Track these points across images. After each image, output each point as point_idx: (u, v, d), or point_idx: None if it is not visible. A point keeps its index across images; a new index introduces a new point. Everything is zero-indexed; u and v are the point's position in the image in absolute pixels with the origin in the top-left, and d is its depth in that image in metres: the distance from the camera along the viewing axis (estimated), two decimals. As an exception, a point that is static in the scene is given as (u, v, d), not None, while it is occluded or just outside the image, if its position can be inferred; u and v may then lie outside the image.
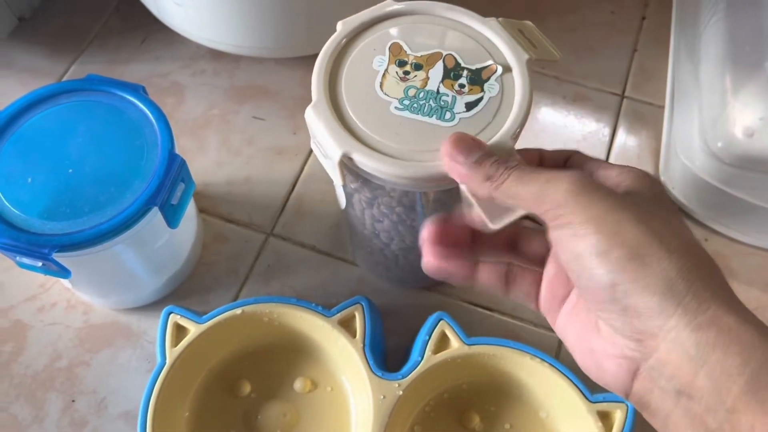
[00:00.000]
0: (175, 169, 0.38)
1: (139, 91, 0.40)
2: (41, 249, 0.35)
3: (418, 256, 0.41)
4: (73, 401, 0.42)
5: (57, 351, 0.44)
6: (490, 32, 0.34)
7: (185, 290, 0.46)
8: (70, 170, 0.37)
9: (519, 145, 0.32)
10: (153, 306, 0.45)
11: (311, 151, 0.52)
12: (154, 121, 0.39)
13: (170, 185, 0.37)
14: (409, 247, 0.40)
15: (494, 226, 0.28)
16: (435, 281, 0.46)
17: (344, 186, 0.36)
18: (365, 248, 0.43)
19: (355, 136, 0.31)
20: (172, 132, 0.39)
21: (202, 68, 0.56)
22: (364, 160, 0.31)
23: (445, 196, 0.35)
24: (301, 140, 0.52)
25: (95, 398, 0.43)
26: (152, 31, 0.57)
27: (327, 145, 0.32)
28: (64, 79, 0.55)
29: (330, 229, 0.49)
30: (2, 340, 0.44)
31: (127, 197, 0.37)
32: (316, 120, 0.32)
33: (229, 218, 0.49)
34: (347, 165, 0.32)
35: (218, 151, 0.52)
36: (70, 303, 0.46)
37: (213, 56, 0.56)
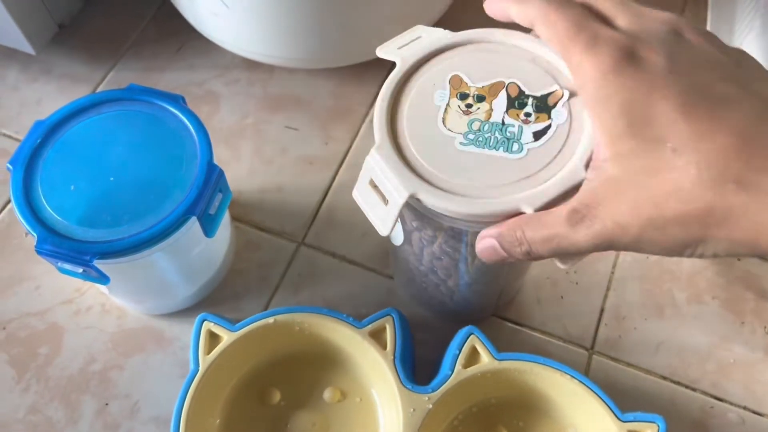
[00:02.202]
0: (213, 180, 0.38)
1: (178, 101, 0.40)
2: (83, 256, 0.36)
3: (475, 291, 0.41)
4: (106, 404, 0.43)
5: (91, 354, 0.45)
6: (552, 55, 0.32)
7: (217, 297, 0.47)
8: (111, 178, 0.38)
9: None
10: (186, 312, 0.46)
11: (342, 161, 0.52)
12: (193, 131, 0.39)
13: (209, 195, 0.38)
14: (468, 284, 0.40)
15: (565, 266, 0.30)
16: (482, 316, 0.46)
17: (404, 224, 0.36)
18: (418, 284, 0.43)
19: (420, 176, 0.30)
20: (211, 142, 0.39)
21: (237, 77, 0.56)
22: (431, 200, 0.30)
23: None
24: (332, 150, 0.53)
25: (128, 402, 0.43)
26: (188, 39, 0.57)
27: (392, 187, 0.31)
28: (102, 85, 0.56)
29: (361, 239, 0.49)
30: (38, 343, 0.45)
31: (166, 206, 0.37)
32: (381, 162, 0.31)
33: (262, 226, 0.50)
34: (413, 206, 0.32)
35: (251, 160, 0.52)
36: (105, 307, 0.46)
37: (247, 66, 0.56)
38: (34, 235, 0.36)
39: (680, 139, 0.26)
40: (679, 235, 0.27)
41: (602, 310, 0.46)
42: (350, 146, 0.53)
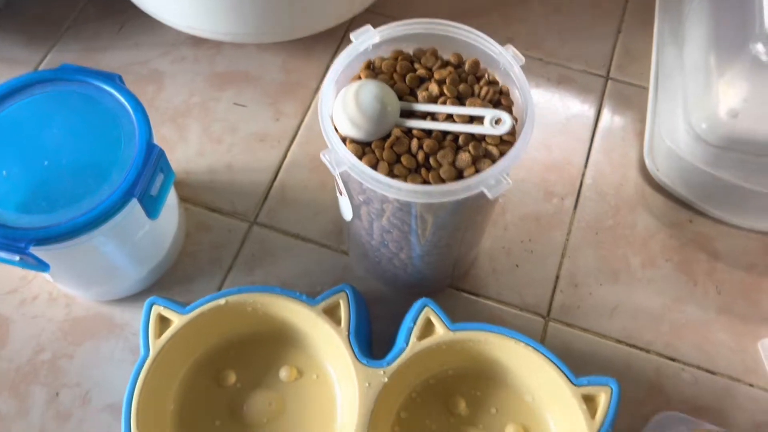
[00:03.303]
0: (153, 160, 0.37)
1: (114, 80, 0.39)
2: (17, 243, 0.34)
3: (428, 263, 0.41)
4: (57, 394, 0.42)
5: (40, 344, 0.44)
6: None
7: (168, 281, 0.46)
8: (46, 162, 0.37)
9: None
10: (136, 297, 0.45)
11: (294, 137, 0.52)
12: (131, 110, 0.38)
13: (149, 176, 0.37)
14: (420, 255, 0.40)
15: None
16: (438, 288, 0.46)
17: (351, 199, 0.36)
18: (371, 258, 0.42)
19: None
20: (150, 122, 0.38)
21: (183, 55, 0.55)
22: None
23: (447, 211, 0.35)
24: (283, 126, 0.52)
25: (79, 391, 0.42)
26: (130, 17, 0.56)
27: (332, 160, 0.32)
28: (41, 68, 0.54)
29: (314, 216, 0.48)
30: (-16, 335, 0.44)
31: (105, 189, 0.36)
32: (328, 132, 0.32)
33: (212, 207, 0.49)
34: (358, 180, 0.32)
35: (200, 139, 0.51)
36: (52, 296, 0.45)
37: (193, 43, 0.55)
38: (-35, 223, 0.35)
39: None
40: None
41: (557, 278, 0.47)
42: (301, 121, 0.52)
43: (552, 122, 0.52)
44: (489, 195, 0.32)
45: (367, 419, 0.38)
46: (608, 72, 0.55)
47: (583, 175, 0.50)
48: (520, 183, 0.50)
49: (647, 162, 0.50)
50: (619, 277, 0.47)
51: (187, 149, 0.51)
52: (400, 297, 0.45)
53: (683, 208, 0.49)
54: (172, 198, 0.45)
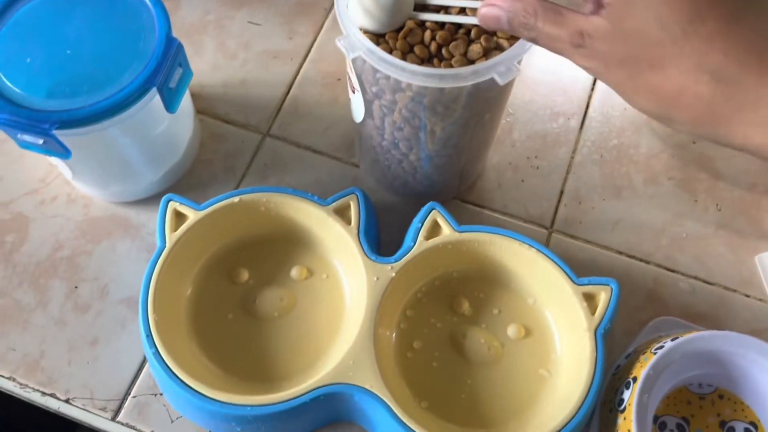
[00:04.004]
0: (173, 52, 0.38)
1: (134, -23, 0.40)
2: (42, 124, 0.36)
3: (437, 166, 0.42)
4: (76, 287, 0.44)
5: (59, 241, 0.45)
6: None
7: (183, 185, 0.47)
8: (68, 51, 0.38)
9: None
10: (151, 199, 0.46)
11: (306, 55, 0.52)
12: (150, 5, 0.39)
13: (168, 67, 0.38)
14: (429, 157, 0.41)
15: None
16: (444, 198, 0.47)
17: (364, 93, 0.37)
18: (381, 163, 0.43)
19: None
20: (169, 16, 0.39)
21: (198, -26, 0.55)
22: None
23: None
24: (296, 45, 0.52)
25: (97, 285, 0.44)
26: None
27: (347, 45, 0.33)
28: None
29: (325, 130, 0.50)
30: (4, 231, 0.45)
31: (126, 77, 0.37)
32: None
33: (226, 119, 0.50)
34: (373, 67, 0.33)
35: (214, 55, 0.52)
36: (71, 197, 0.47)
37: (208, -38, 0.56)
38: (-9, 105, 0.36)
39: (684, 17, 0.27)
40: (648, 106, 0.29)
41: (562, 193, 0.48)
42: (314, 40, 0.53)
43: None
44: (500, 81, 0.33)
45: (374, 313, 0.39)
46: None
47: (590, 97, 0.51)
48: (527, 103, 0.51)
49: (653, 85, 0.50)
50: (621, 193, 0.48)
51: (202, 64, 0.51)
52: (409, 207, 0.46)
53: (687, 130, 0.50)
54: (188, 105, 0.46)
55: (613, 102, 0.51)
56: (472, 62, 0.34)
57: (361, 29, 0.35)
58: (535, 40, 0.30)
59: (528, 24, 0.29)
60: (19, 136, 0.37)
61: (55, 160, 0.42)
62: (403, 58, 0.34)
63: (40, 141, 0.37)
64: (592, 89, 0.52)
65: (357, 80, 0.37)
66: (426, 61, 0.35)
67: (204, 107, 0.50)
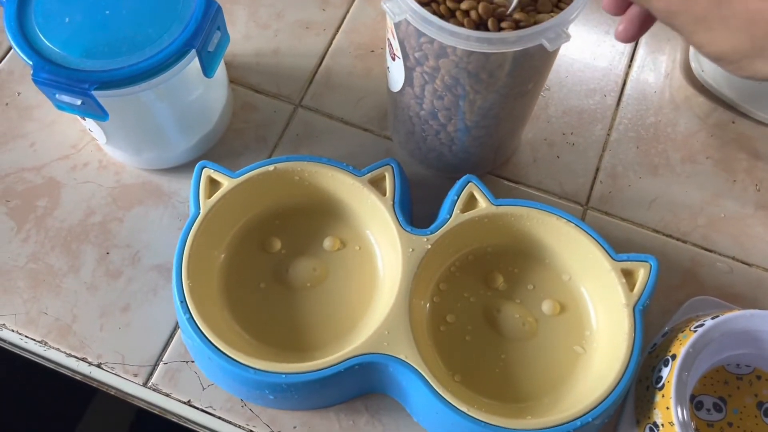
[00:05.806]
0: (212, 15, 0.38)
1: (174, -61, 0.39)
2: (81, 84, 0.35)
3: (474, 138, 0.41)
4: (107, 253, 0.44)
5: (90, 207, 0.45)
6: None
7: (216, 154, 0.47)
8: (107, 12, 0.37)
9: None
10: (183, 168, 0.46)
11: (339, 26, 0.52)
12: (190, -33, 0.39)
13: (208, 30, 0.37)
14: (467, 128, 0.40)
15: None
16: (479, 173, 0.46)
17: (405, 59, 0.36)
18: (417, 135, 0.43)
19: None
20: (208, -21, 0.38)
21: (230, -57, 0.55)
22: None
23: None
24: (329, 16, 0.52)
25: (129, 252, 0.44)
26: None
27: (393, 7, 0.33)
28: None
29: (358, 102, 0.49)
30: (36, 196, 0.45)
31: (165, 39, 0.37)
32: None
33: (258, 89, 0.49)
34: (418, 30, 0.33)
35: (246, 25, 0.51)
36: (102, 164, 0.46)
37: (241, -69, 0.55)
38: (30, 63, 0.36)
39: None
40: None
41: (597, 170, 0.47)
42: (347, 11, 0.52)
43: (600, 22, 0.52)
44: (548, 47, 0.32)
45: (409, 284, 0.39)
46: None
47: (626, 74, 0.50)
48: (563, 79, 0.50)
49: (692, 64, 0.50)
50: (658, 171, 0.47)
51: (235, 33, 0.51)
52: (441, 181, 0.46)
53: (726, 109, 0.49)
54: (222, 73, 0.45)
55: (652, 80, 0.50)
56: (519, 28, 0.34)
57: (405, -7, 0.34)
58: None
59: None
60: (57, 96, 0.36)
61: (89, 125, 0.42)
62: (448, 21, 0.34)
63: (78, 101, 0.36)
64: (629, 66, 0.51)
65: (399, 46, 0.36)
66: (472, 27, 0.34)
67: (236, 77, 0.49)
